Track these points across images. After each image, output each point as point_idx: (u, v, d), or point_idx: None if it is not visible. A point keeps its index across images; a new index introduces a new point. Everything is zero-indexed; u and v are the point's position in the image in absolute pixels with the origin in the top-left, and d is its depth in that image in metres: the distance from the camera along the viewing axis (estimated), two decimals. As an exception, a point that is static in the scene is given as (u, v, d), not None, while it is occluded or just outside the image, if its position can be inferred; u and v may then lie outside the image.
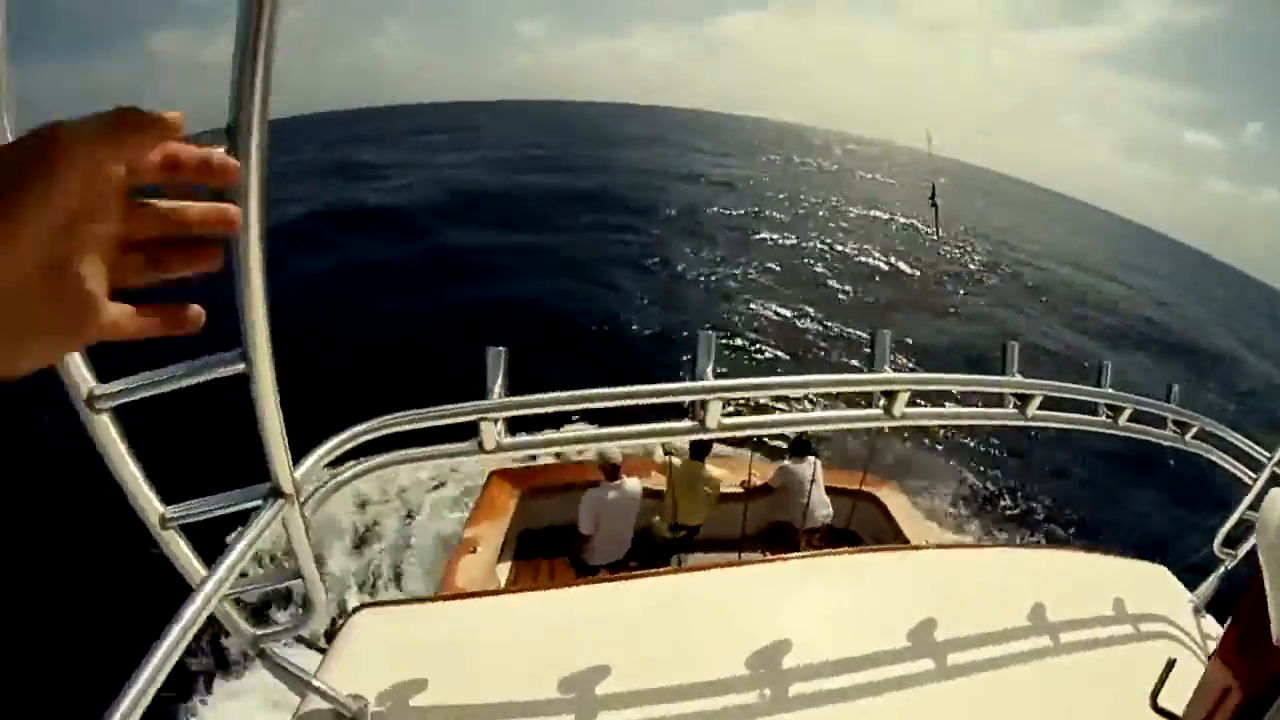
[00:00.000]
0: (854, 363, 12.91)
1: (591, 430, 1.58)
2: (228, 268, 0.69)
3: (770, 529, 5.33)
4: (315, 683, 1.35)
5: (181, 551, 1.02)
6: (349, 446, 1.32)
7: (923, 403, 1.79)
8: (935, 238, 15.03)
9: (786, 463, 5.23)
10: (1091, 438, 2.17)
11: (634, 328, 13.43)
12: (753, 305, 15.54)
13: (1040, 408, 1.86)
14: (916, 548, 3.65)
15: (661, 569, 2.37)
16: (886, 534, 5.20)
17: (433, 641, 1.63)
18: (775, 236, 23.95)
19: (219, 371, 0.83)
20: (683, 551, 5.08)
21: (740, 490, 5.18)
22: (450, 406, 1.37)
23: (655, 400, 1.52)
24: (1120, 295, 30.38)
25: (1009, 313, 20.14)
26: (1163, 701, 1.39)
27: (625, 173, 34.85)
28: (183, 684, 5.55)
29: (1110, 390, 1.94)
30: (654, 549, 4.98)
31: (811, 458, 5.14)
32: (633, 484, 4.63)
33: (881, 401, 1.67)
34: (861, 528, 5.45)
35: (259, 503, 1.01)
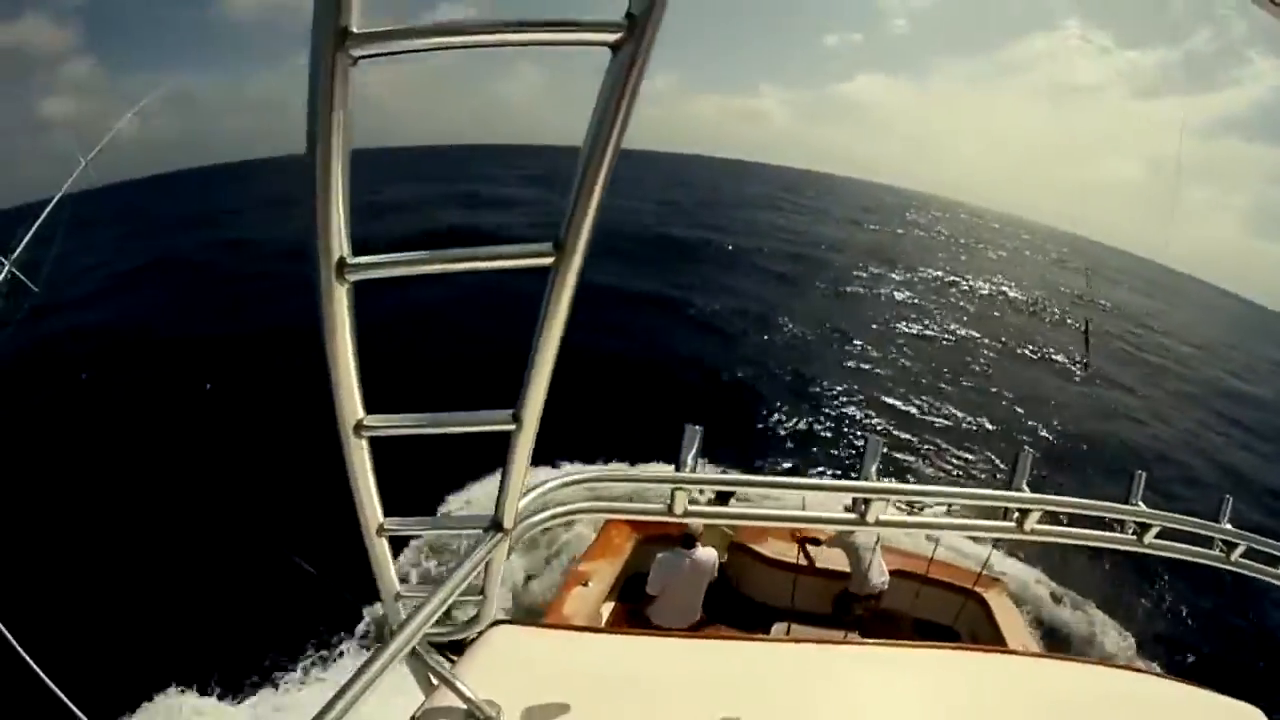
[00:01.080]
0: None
1: (765, 511, 1.76)
2: (529, 337, 0.86)
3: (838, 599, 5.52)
4: (458, 684, 1.40)
5: (386, 559, 1.16)
6: (561, 491, 1.49)
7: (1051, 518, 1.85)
8: (1085, 365, 14.86)
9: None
10: (1205, 568, 2.18)
11: (764, 392, 13.99)
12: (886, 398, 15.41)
13: (1157, 537, 1.94)
14: (1009, 652, 3.69)
15: (774, 637, 2.35)
16: (987, 635, 5.33)
17: (566, 667, 1.71)
18: (910, 318, 23.16)
19: (489, 427, 0.96)
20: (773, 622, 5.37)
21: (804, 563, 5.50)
22: (652, 472, 1.58)
23: (825, 493, 1.71)
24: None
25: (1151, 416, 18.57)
26: None
27: (745, 231, 35.04)
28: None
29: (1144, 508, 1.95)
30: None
31: None
32: (707, 554, 4.71)
33: (1015, 516, 1.78)
34: (964, 625, 5.59)
35: (478, 532, 1.16)
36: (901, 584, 5.54)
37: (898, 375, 16.83)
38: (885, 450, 10.14)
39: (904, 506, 1.78)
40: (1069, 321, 27.67)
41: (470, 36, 0.62)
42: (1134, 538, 1.94)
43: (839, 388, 15.20)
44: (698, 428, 1.55)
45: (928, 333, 21.61)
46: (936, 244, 51.75)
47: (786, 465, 11.62)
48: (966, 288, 31.88)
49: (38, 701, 3.45)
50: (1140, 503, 1.88)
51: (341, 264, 0.74)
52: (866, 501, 1.65)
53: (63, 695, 3.33)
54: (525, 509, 1.30)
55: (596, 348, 12.92)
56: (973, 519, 2.00)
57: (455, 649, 1.61)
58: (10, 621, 3.62)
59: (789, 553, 5.60)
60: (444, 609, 1.17)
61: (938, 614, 5.65)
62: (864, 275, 28.70)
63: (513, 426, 0.95)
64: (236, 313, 17.15)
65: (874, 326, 20.78)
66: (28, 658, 3.42)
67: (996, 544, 6.59)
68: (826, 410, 14.06)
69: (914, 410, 14.87)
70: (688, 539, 4.67)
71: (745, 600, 5.80)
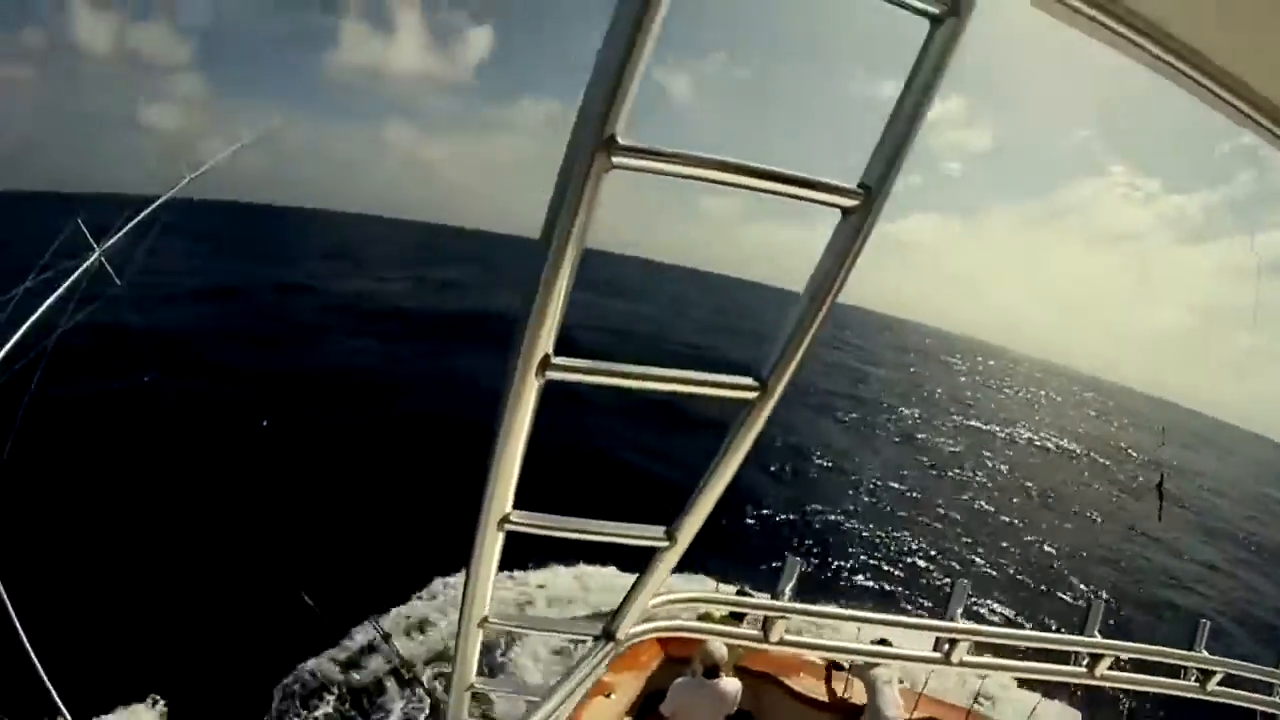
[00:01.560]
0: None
1: (853, 645, 1.80)
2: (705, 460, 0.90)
3: None
4: None
5: (475, 651, 1.15)
6: (667, 606, 1.46)
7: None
8: (1158, 521, 14.82)
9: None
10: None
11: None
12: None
13: (1219, 684, 1.97)
14: None
15: None
16: None
17: None
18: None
19: (642, 542, 0.99)
20: None
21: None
22: (751, 600, 1.60)
23: (908, 628, 1.74)
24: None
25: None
26: None
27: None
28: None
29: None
30: None
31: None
32: (730, 684, 4.49)
33: (1085, 661, 1.81)
34: None
35: (588, 640, 1.18)
36: None
37: (970, 523, 16.58)
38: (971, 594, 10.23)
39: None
40: (1131, 476, 27.04)
41: (721, 174, 0.65)
42: (1197, 685, 1.93)
43: (918, 534, 15.00)
44: (798, 559, 1.57)
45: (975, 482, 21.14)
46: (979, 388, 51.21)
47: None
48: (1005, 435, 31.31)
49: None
50: (1204, 650, 1.87)
51: (545, 361, 0.75)
52: (952, 642, 1.64)
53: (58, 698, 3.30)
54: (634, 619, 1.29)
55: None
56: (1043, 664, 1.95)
57: None
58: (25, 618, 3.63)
59: (819, 690, 5.43)
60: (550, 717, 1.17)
61: None
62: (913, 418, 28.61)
63: (665, 544, 0.97)
64: (282, 350, 17.85)
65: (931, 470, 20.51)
66: (36, 662, 3.41)
67: (1070, 689, 6.17)
68: (901, 552, 13.89)
69: (980, 557, 14.56)
70: (711, 668, 4.41)
71: None
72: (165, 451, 9.11)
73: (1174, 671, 1.99)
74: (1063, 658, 1.84)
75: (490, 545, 0.94)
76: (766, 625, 1.54)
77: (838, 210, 0.70)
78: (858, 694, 5.28)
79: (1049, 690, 6.43)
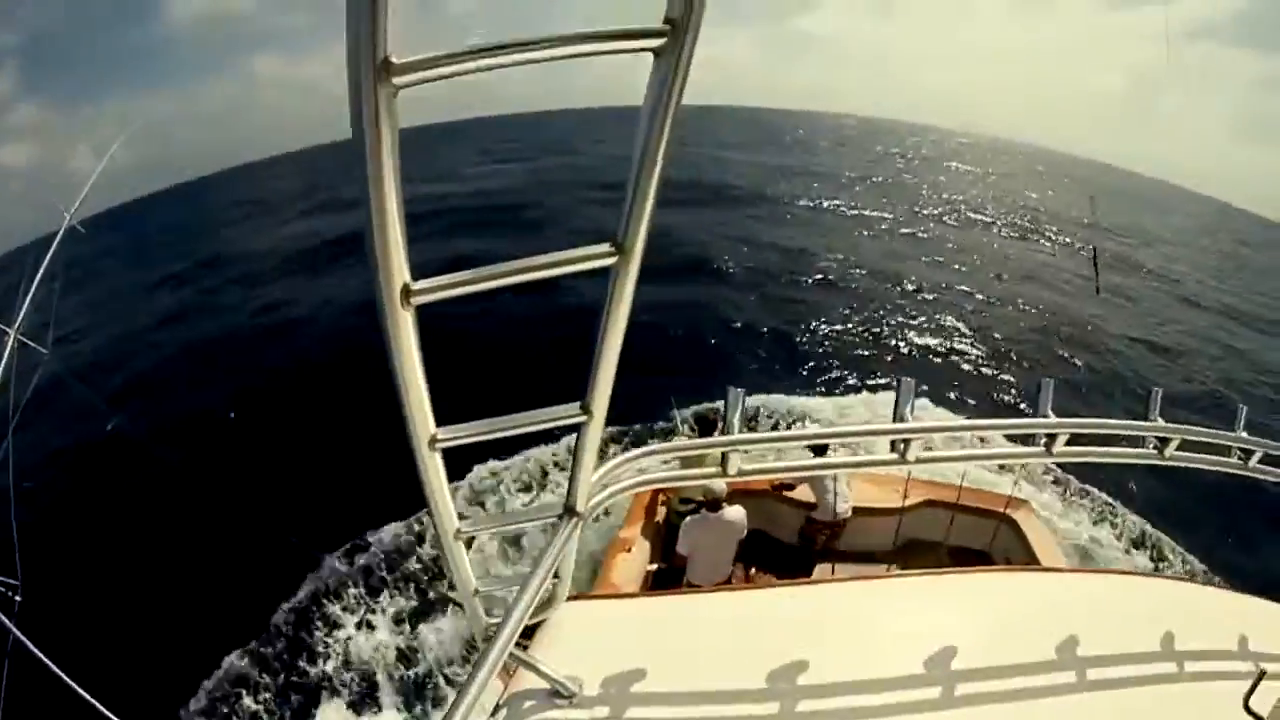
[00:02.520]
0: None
1: (813, 461, 1.85)
2: (592, 331, 0.92)
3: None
4: (541, 666, 1.48)
5: (463, 560, 1.23)
6: (619, 469, 1.55)
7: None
8: (1096, 290, 14.93)
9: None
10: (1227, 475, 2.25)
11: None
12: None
13: (1178, 449, 2.02)
14: (1044, 569, 3.83)
15: (819, 579, 2.66)
16: (1020, 556, 5.46)
17: (634, 633, 1.81)
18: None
19: (562, 421, 1.03)
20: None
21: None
22: (702, 440, 1.70)
23: (865, 437, 1.94)
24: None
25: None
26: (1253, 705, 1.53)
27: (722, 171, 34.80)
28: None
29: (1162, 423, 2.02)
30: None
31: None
32: (734, 512, 4.80)
33: (1043, 441, 1.84)
34: (997, 549, 5.76)
35: (555, 520, 1.25)
36: (934, 514, 5.73)
37: (912, 308, 16.75)
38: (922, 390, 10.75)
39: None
40: (1068, 242, 27.42)
41: (515, 54, 0.61)
42: (1155, 452, 2.01)
43: (858, 320, 15.30)
44: (740, 390, 1.62)
45: (928, 261, 21.38)
46: (915, 170, 50.35)
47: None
48: (954, 214, 31.22)
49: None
50: (1159, 418, 1.94)
51: (406, 290, 0.75)
52: (906, 442, 1.72)
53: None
54: (589, 491, 1.35)
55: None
56: (1003, 448, 2.08)
57: (525, 632, 1.69)
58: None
59: (879, 498, 5.77)
60: (485, 592, 1.29)
61: (971, 540, 5.79)
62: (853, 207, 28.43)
63: (584, 418, 1.01)
64: (231, 329, 17.24)
65: (880, 258, 20.58)
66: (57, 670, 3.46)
67: (1024, 468, 6.82)
68: (858, 344, 14.24)
69: (934, 343, 14.89)
70: (713, 501, 4.76)
71: (779, 545, 5.98)
72: (155, 486, 9.12)
73: (1134, 443, 2.08)
74: (1022, 441, 1.92)
75: (432, 465, 0.99)
76: (724, 460, 1.61)
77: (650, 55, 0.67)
78: (857, 494, 5.62)
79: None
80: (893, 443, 1.75)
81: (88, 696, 3.47)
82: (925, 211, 30.97)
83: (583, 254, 0.81)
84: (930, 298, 17.73)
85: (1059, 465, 8.93)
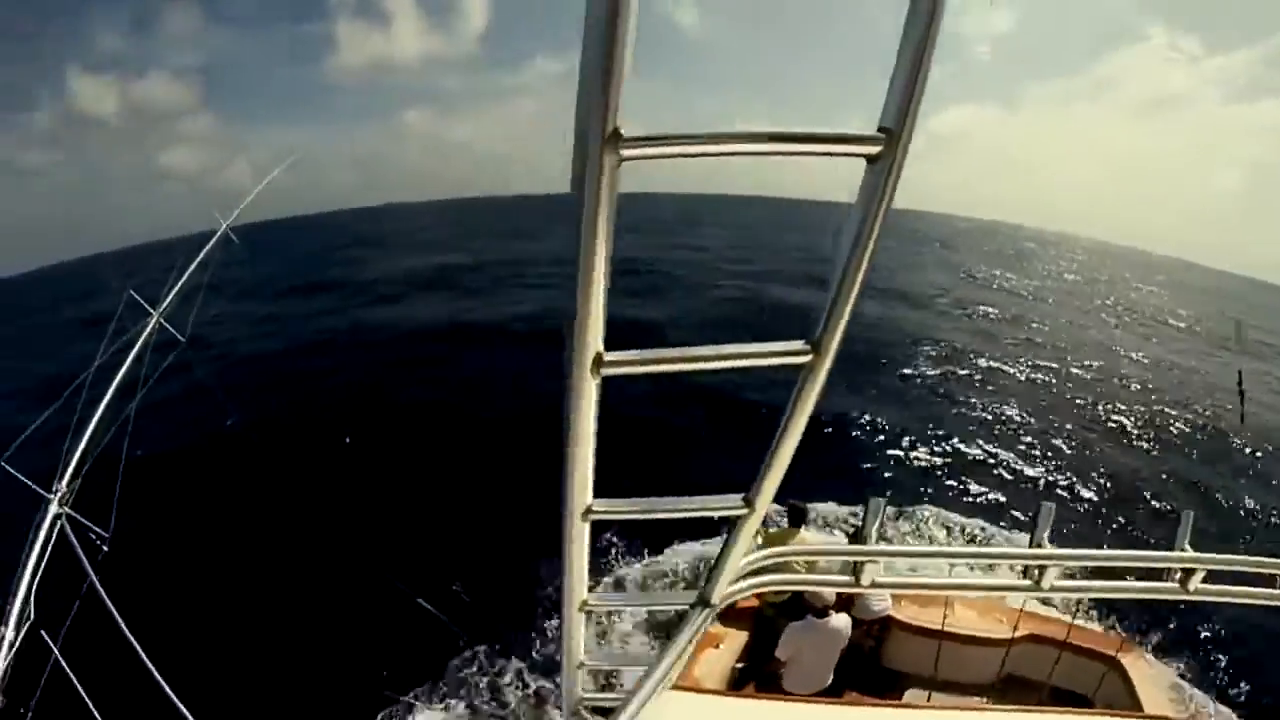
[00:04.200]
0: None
1: (943, 581, 1.76)
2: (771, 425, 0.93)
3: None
4: None
5: (579, 632, 1.24)
6: (753, 566, 1.51)
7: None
8: (1241, 418, 14.08)
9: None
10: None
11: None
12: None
13: None
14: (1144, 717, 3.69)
15: (913, 704, 2.55)
16: (1125, 704, 5.07)
17: None
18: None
19: (721, 512, 1.03)
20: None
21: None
22: (838, 547, 1.63)
23: (996, 560, 1.95)
24: None
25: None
26: None
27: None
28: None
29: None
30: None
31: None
32: (840, 620, 4.70)
33: (1177, 576, 1.73)
34: (1102, 696, 5.35)
35: (685, 607, 1.26)
36: (1040, 649, 5.29)
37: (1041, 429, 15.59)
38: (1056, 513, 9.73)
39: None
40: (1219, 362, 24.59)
41: (737, 145, 0.64)
42: None
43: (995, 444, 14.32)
44: (881, 499, 1.57)
45: (1059, 379, 19.68)
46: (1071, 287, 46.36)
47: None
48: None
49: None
50: None
51: (598, 359, 0.76)
52: (1041, 569, 1.63)
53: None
54: (727, 583, 1.34)
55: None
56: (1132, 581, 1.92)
57: (602, 712, 1.63)
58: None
59: (923, 617, 5.46)
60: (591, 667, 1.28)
61: (1076, 683, 5.33)
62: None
63: (744, 511, 1.00)
64: (353, 356, 18.43)
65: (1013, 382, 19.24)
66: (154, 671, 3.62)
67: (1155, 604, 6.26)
68: (981, 464, 13.35)
69: (1061, 466, 13.81)
70: (821, 609, 4.64)
71: (881, 667, 5.64)
72: (261, 489, 9.61)
73: (1270, 581, 1.92)
74: (1154, 575, 1.81)
75: (578, 535, 0.99)
76: (856, 569, 1.56)
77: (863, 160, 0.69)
78: (959, 618, 5.33)
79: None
80: (1025, 568, 1.67)
81: (140, 651, 3.70)
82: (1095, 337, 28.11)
83: (776, 349, 0.81)
84: (1099, 421, 16.56)
85: (1194, 603, 7.91)
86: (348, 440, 12.32)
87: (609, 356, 0.77)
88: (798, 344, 0.80)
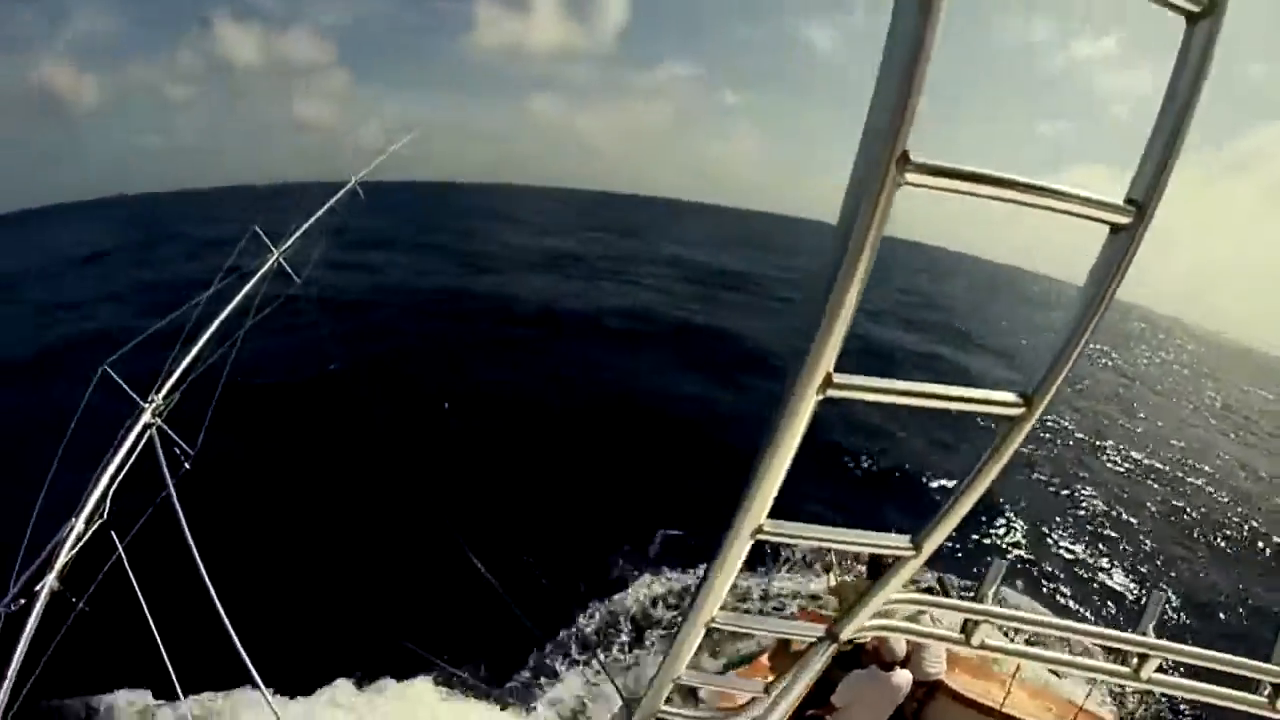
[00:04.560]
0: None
1: (1043, 652, 1.73)
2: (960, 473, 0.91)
3: None
4: None
5: (691, 647, 1.21)
6: (896, 605, 1.45)
7: None
8: None
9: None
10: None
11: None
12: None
13: None
14: None
15: None
16: None
17: None
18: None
19: (889, 551, 1.01)
20: None
21: None
22: (963, 603, 1.53)
23: (1096, 642, 1.67)
24: None
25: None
26: None
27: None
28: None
29: None
30: None
31: None
32: (903, 676, 4.57)
33: (1267, 691, 1.61)
34: None
35: (813, 639, 1.23)
36: None
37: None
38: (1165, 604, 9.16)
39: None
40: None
41: (1003, 190, 0.65)
42: None
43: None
44: (1004, 562, 1.52)
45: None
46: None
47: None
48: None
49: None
50: None
51: (828, 379, 0.75)
52: (1142, 657, 1.56)
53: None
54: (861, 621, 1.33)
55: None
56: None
57: None
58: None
59: (974, 688, 5.37)
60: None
61: None
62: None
63: (910, 554, 0.99)
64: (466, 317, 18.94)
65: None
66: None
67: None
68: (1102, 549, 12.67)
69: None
70: (890, 663, 4.48)
71: None
72: (351, 437, 9.93)
73: None
74: (1245, 685, 1.64)
75: (737, 552, 0.97)
76: (968, 628, 1.50)
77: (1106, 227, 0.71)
78: (1013, 699, 5.25)
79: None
80: (1124, 654, 1.61)
81: (202, 570, 3.74)
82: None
83: (990, 397, 0.81)
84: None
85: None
86: (446, 406, 12.64)
87: (839, 379, 0.75)
88: (1010, 395, 0.80)
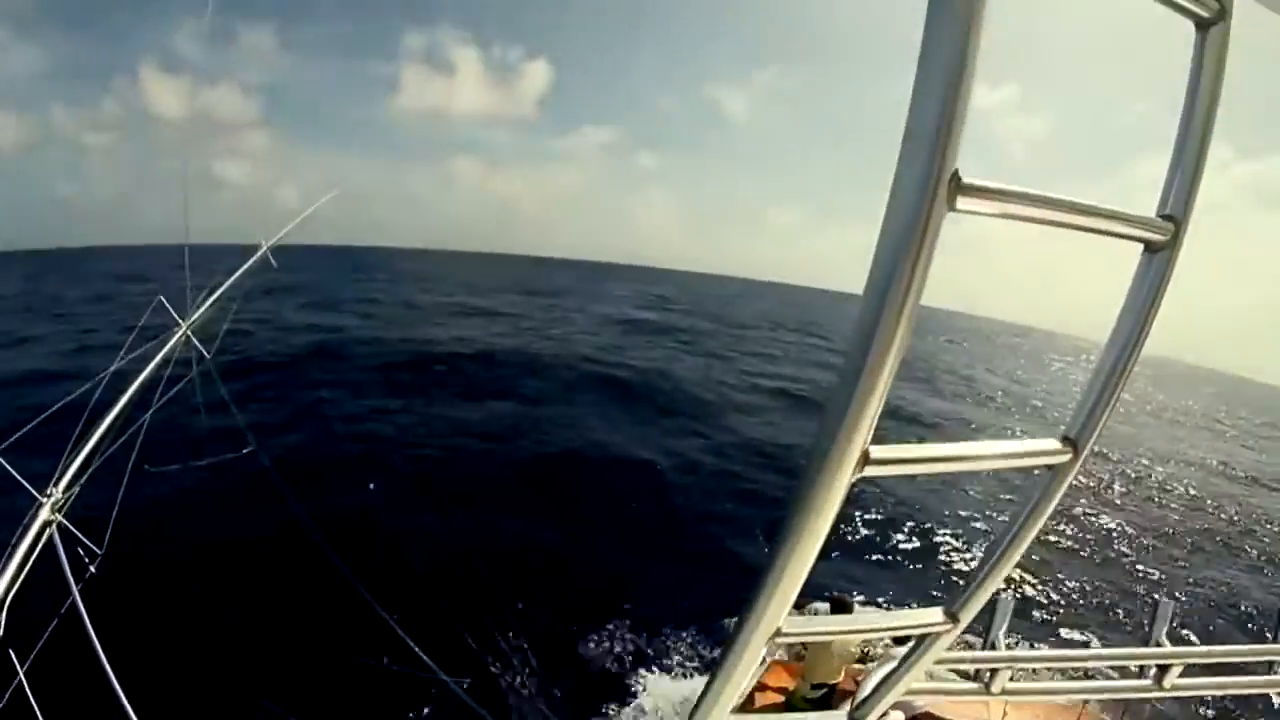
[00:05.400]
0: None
1: (1072, 684, 1.77)
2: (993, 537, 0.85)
3: None
4: None
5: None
6: (908, 674, 1.40)
7: None
8: None
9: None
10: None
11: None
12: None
13: None
14: None
15: None
16: None
17: None
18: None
19: (921, 630, 0.94)
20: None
21: None
22: (983, 655, 1.49)
23: (1117, 663, 1.72)
24: None
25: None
26: None
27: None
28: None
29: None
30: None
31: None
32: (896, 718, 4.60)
33: None
34: None
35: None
36: None
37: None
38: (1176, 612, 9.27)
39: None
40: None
41: (1047, 212, 0.61)
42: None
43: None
44: (1011, 599, 1.49)
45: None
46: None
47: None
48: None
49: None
50: None
51: (865, 457, 0.65)
52: (1161, 668, 1.58)
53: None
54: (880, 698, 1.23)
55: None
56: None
57: None
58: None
59: (968, 714, 5.23)
60: None
61: None
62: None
63: (946, 627, 0.93)
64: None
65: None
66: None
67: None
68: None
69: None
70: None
71: None
72: (273, 529, 9.24)
73: None
74: (1264, 671, 1.71)
75: (750, 659, 0.83)
76: (988, 676, 1.49)
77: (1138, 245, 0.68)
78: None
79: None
80: (1141, 668, 1.63)
81: (118, 689, 3.39)
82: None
83: (1032, 449, 0.75)
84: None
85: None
86: (371, 487, 12.00)
87: (876, 452, 0.65)
88: (1052, 443, 0.74)
